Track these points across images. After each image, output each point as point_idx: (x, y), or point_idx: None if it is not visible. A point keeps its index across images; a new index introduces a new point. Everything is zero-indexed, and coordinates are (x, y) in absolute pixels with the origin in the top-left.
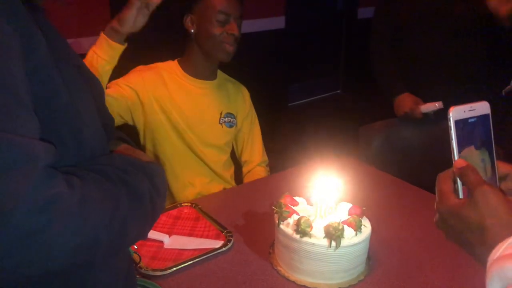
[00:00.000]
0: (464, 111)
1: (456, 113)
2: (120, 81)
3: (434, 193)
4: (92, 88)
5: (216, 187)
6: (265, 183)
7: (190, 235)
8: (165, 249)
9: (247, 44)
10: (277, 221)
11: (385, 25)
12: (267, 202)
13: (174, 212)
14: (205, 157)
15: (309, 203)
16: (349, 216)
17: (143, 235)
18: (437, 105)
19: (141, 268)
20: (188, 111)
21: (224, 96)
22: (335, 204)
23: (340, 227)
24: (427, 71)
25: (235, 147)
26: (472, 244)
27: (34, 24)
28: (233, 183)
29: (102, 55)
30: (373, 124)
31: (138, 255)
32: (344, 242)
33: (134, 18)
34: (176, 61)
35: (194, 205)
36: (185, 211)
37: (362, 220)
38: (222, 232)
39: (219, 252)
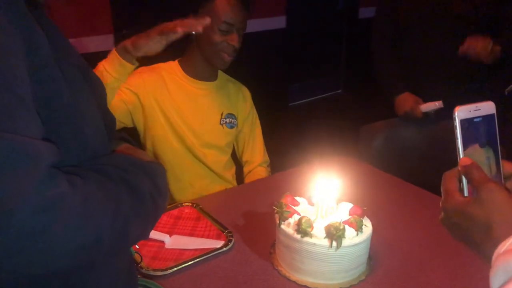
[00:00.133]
0: (470, 111)
1: (461, 112)
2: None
3: (435, 192)
4: (94, 88)
5: (217, 187)
6: (266, 183)
7: (191, 235)
8: (166, 249)
9: (247, 44)
10: (278, 221)
11: (386, 25)
12: (268, 202)
13: (175, 212)
14: (206, 158)
15: (310, 203)
16: (350, 216)
17: (145, 235)
18: (437, 104)
19: (142, 268)
20: (189, 112)
21: (225, 96)
22: (336, 204)
23: (341, 227)
24: (427, 71)
25: (236, 147)
26: (478, 242)
27: (36, 23)
28: (235, 183)
29: (112, 71)
30: (373, 124)
31: (139, 255)
32: (345, 242)
33: (149, 47)
34: (177, 61)
35: (195, 205)
36: (186, 211)
37: (363, 220)
38: (223, 232)
39: (220, 252)
